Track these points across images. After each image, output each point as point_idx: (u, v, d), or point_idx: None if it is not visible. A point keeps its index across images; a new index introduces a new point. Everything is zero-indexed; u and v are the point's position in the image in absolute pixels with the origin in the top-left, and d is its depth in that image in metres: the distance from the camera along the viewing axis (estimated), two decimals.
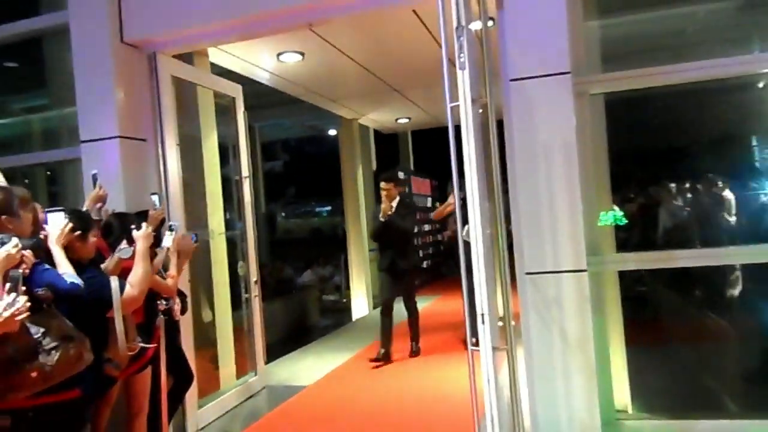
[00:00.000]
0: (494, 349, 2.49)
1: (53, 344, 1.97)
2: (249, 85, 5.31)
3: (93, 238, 2.52)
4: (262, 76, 5.62)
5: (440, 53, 2.51)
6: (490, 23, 3.22)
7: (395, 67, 5.81)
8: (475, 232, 2.43)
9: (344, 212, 8.58)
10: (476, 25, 2.64)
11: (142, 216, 3.12)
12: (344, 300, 8.88)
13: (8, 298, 1.79)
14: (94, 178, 3.18)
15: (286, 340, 7.53)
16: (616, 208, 8.74)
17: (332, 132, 10.72)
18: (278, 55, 5.08)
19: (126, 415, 2.98)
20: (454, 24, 2.39)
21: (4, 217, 2.15)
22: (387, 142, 10.58)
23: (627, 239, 8.14)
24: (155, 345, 2.95)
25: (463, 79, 2.40)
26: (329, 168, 9.45)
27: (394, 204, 5.26)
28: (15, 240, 1.96)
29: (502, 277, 2.85)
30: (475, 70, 2.53)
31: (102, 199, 3.14)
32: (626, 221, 8.31)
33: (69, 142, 3.99)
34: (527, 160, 3.08)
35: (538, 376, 3.10)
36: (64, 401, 2.11)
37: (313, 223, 18.80)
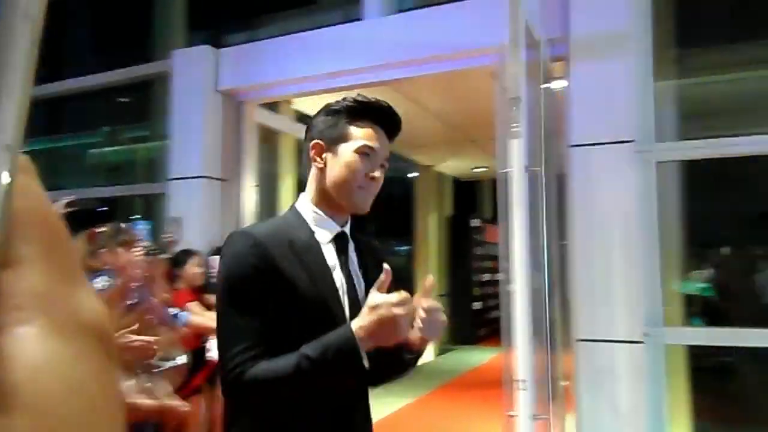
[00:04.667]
0: (534, 417, 2.49)
1: None
2: None
3: None
4: None
5: (497, 121, 2.62)
6: (562, 84, 3.30)
7: (472, 120, 5.93)
8: (519, 299, 2.47)
9: (413, 255, 8.69)
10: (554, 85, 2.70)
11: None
12: None
13: None
14: (175, 221, 3.49)
15: None
16: (699, 278, 8.35)
17: (412, 174, 10.93)
18: None
19: None
20: (511, 95, 2.49)
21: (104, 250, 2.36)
22: (466, 190, 10.66)
23: (704, 311, 7.75)
24: None
25: (517, 147, 2.48)
26: (407, 210, 9.61)
27: None
28: None
29: (550, 342, 2.85)
30: (533, 136, 2.62)
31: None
32: (710, 292, 7.92)
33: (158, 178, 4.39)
34: (585, 226, 3.09)
35: None
36: None
37: (390, 262, 18.93)
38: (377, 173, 1.30)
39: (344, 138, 1.28)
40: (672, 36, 4.34)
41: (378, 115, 1.31)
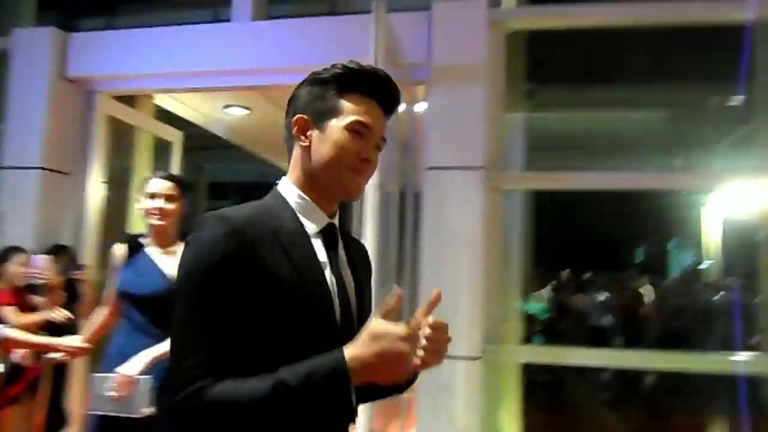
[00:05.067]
0: None
1: None
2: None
3: None
4: (206, 123, 5.69)
5: None
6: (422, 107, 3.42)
7: None
8: None
9: None
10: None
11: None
12: None
13: None
14: None
15: None
16: (540, 298, 8.96)
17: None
18: (224, 107, 5.18)
19: None
20: None
21: None
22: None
23: (544, 330, 8.33)
24: None
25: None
26: None
27: None
28: None
29: None
30: (390, 154, 2.69)
31: None
32: (547, 312, 8.53)
33: None
34: (434, 247, 3.21)
35: None
36: None
37: None
38: (371, 155, 1.11)
39: (333, 113, 1.10)
40: (524, 72, 4.65)
41: (373, 86, 1.12)
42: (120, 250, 2.38)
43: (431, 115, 3.27)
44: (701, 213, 11.20)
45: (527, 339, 7.78)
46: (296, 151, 1.14)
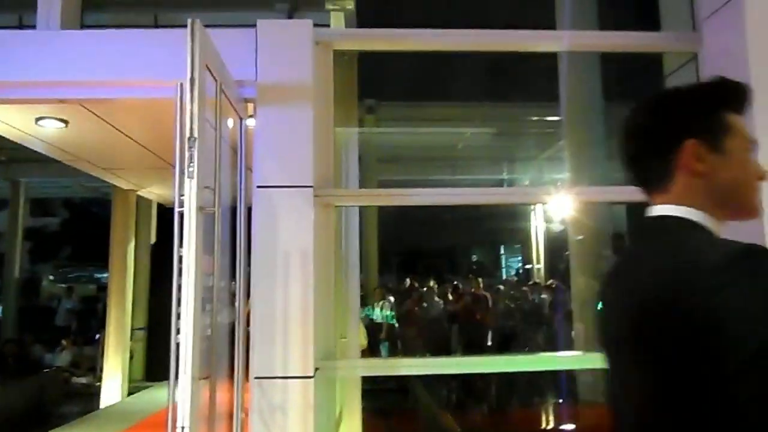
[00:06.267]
0: None
1: None
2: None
3: None
4: (16, 135, 5.15)
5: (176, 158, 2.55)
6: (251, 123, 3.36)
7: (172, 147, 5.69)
8: (184, 340, 2.40)
9: (108, 285, 7.96)
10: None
11: None
12: (98, 383, 8.08)
13: None
14: None
15: (16, 428, 6.61)
16: (384, 306, 9.19)
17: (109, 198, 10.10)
18: (37, 119, 4.71)
19: None
20: (187, 134, 2.45)
21: None
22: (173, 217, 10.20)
23: (389, 337, 8.55)
24: None
25: (190, 187, 2.44)
26: (104, 236, 8.79)
27: None
28: None
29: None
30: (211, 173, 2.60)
31: None
32: (392, 320, 8.74)
33: None
34: (266, 265, 3.16)
35: None
36: None
37: (88, 291, 17.04)
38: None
39: (727, 131, 1.04)
40: (361, 89, 4.78)
41: (746, 101, 1.07)
42: None
43: (260, 134, 3.23)
44: (528, 221, 12.30)
45: (375, 346, 7.99)
46: (686, 180, 1.04)
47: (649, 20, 4.14)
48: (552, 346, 8.49)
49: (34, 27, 3.48)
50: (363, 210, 3.93)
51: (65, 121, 4.77)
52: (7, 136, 5.14)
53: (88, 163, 6.32)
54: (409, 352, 8.03)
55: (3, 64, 3.31)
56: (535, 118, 9.10)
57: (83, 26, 3.61)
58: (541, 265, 11.59)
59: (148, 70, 3.28)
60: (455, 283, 9.89)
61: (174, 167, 2.60)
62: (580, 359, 3.97)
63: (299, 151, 3.22)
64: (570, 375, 6.85)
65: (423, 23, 3.50)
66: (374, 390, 4.50)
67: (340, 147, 4.09)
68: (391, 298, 8.72)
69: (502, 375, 7.25)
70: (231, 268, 3.18)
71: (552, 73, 7.20)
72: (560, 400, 7.27)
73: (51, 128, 4.90)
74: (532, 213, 11.79)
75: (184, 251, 2.45)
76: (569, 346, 7.90)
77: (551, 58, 7.12)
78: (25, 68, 3.32)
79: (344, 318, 3.99)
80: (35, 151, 5.75)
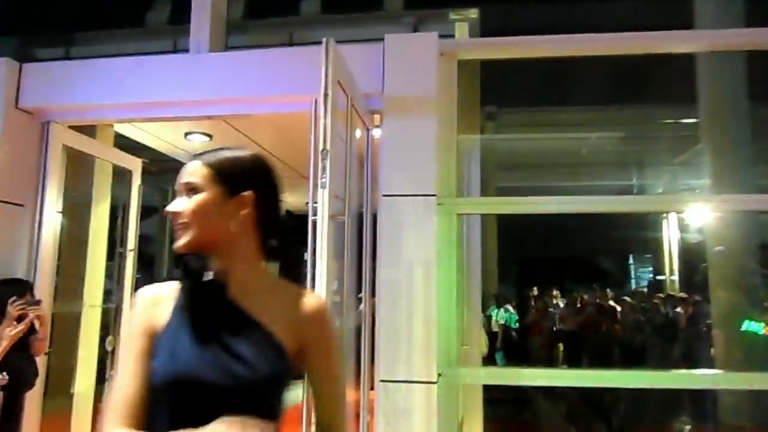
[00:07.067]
0: None
1: None
2: None
3: None
4: (168, 150, 5.69)
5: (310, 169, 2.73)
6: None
7: (303, 158, 6.00)
8: None
9: None
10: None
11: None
12: None
13: None
14: None
15: None
16: (510, 311, 9.03)
17: None
18: (186, 134, 5.19)
19: None
20: (320, 147, 2.60)
21: None
22: (301, 222, 10.73)
23: (506, 347, 8.41)
24: None
25: (323, 197, 2.58)
26: None
27: None
28: None
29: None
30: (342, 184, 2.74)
31: None
32: (515, 325, 8.58)
33: None
34: (391, 272, 3.26)
35: None
36: None
37: None
38: None
39: None
40: (482, 97, 4.76)
41: None
42: None
43: (385, 144, 3.34)
44: (660, 230, 11.55)
45: (491, 355, 7.89)
46: None
47: None
48: (688, 363, 7.91)
49: (187, 50, 3.85)
50: (483, 217, 3.92)
51: (210, 135, 5.21)
52: (159, 149, 5.69)
53: None
54: (531, 361, 7.85)
55: (159, 85, 3.70)
56: (667, 121, 8.53)
57: (227, 47, 3.93)
58: (675, 277, 10.84)
59: (284, 86, 3.52)
60: (578, 293, 9.49)
61: (308, 178, 2.77)
62: (720, 378, 3.70)
63: (423, 160, 3.29)
64: (710, 395, 6.35)
65: (547, 29, 3.44)
66: (491, 399, 4.45)
67: (462, 155, 4.11)
68: (509, 306, 8.60)
69: (632, 391, 6.88)
70: (357, 274, 3.32)
71: (686, 72, 6.76)
72: (697, 422, 6.77)
73: (197, 142, 5.36)
74: (665, 221, 11.07)
75: (318, 257, 2.60)
76: (708, 364, 7.32)
77: (686, 56, 6.67)
78: (177, 89, 3.68)
79: (467, 326, 4.00)
80: (181, 163, 6.30)
